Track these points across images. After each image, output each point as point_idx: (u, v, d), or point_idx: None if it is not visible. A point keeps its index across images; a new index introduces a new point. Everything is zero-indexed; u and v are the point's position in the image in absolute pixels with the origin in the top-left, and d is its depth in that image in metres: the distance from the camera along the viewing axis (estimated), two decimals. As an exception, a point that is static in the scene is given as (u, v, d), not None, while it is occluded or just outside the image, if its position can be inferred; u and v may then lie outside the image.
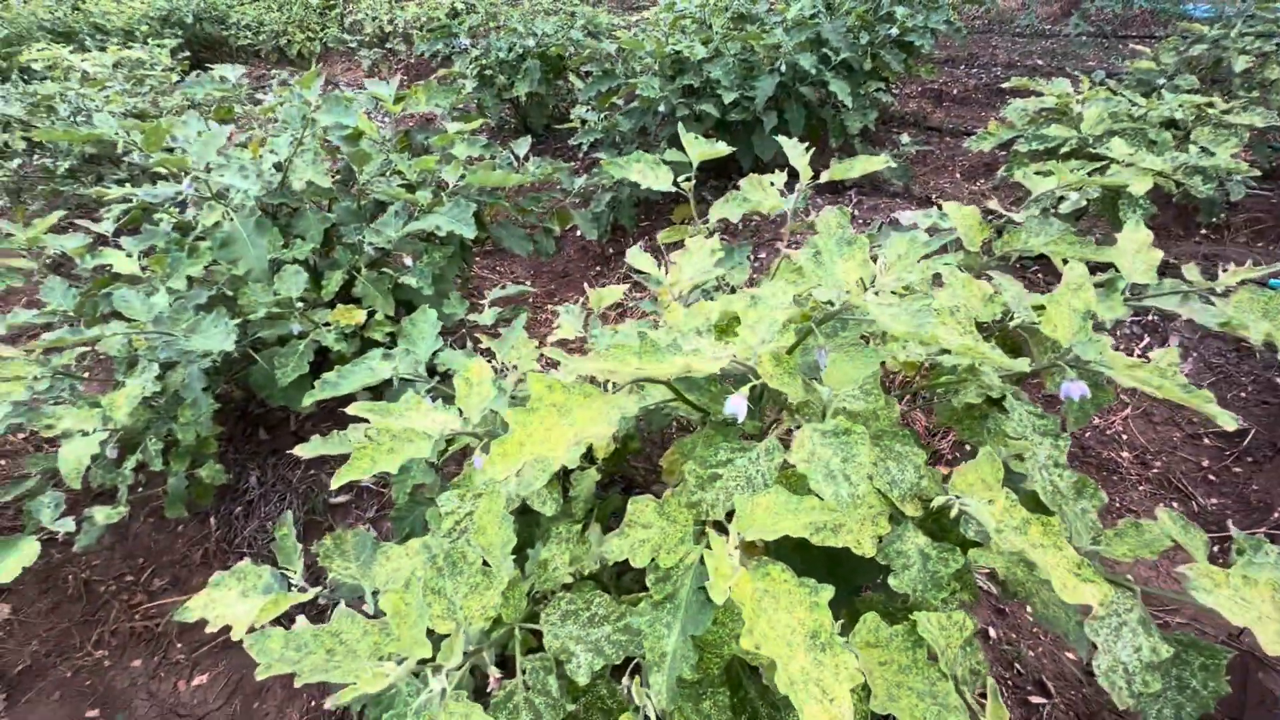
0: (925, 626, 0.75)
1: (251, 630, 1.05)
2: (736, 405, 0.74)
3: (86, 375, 1.89)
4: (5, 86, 4.00)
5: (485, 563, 0.81)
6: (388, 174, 2.16)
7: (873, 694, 0.71)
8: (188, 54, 5.54)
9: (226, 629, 1.25)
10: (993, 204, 1.71)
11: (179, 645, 1.98)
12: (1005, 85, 3.15)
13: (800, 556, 0.89)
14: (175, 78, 3.82)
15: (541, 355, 1.40)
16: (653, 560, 0.75)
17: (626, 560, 0.77)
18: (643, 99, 3.23)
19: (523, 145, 2.98)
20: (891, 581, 0.81)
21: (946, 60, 5.95)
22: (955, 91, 5.25)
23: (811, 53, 3.09)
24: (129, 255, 1.68)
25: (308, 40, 6.84)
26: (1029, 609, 1.38)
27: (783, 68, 3.10)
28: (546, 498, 0.99)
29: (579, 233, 3.97)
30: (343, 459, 1.13)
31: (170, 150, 1.86)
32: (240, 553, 2.12)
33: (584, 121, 3.98)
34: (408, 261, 1.86)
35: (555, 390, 0.78)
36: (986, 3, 4.71)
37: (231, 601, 1.18)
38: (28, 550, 1.40)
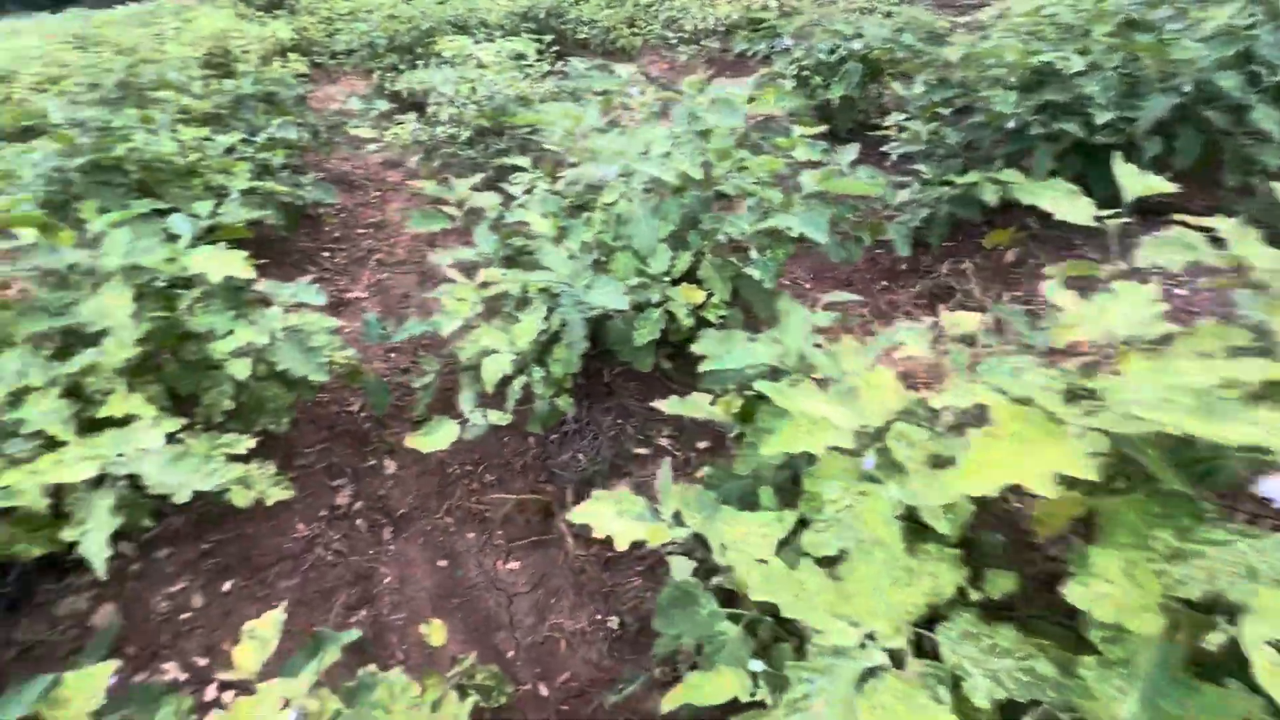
0: None
1: (671, 551, 1.25)
2: (1274, 488, 0.67)
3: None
4: (433, 69, 5.16)
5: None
6: (738, 170, 2.32)
7: None
8: (558, 47, 6.48)
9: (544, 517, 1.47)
10: None
11: (499, 533, 2.45)
12: None
13: None
14: (546, 67, 4.56)
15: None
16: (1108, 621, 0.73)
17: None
18: (990, 113, 2.99)
19: (849, 153, 2.98)
20: None
21: None
22: None
23: (1236, 71, 2.55)
24: (544, 216, 2.08)
25: (633, 35, 7.59)
26: None
27: (1185, 86, 2.61)
28: (940, 515, 1.01)
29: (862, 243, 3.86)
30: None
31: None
32: (550, 471, 2.53)
33: (901, 129, 3.82)
34: (754, 254, 2.00)
35: (1020, 420, 0.79)
36: None
37: (608, 517, 1.42)
38: (451, 430, 1.83)
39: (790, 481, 1.56)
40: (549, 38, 5.82)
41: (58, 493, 1.48)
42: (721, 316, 2.03)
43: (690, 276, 2.15)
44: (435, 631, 1.62)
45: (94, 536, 1.28)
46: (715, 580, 1.35)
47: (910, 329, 1.66)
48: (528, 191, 2.50)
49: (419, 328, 2.65)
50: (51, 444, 1.59)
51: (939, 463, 1.13)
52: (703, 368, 1.43)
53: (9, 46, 7.02)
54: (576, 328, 1.88)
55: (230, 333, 1.96)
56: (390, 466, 2.69)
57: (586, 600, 2.10)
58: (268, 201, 3.53)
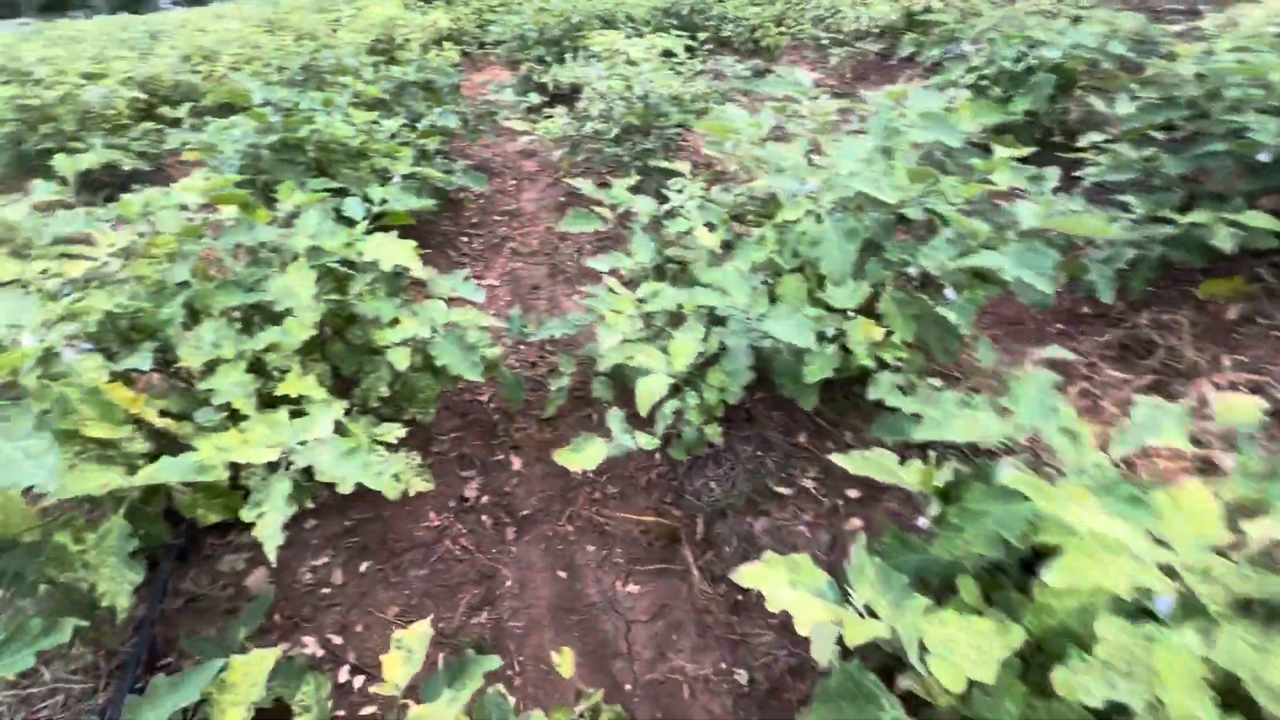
0: None
1: (823, 632, 1.09)
2: None
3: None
4: (581, 64, 5.18)
5: None
6: (930, 194, 2.07)
7: None
8: (710, 45, 6.35)
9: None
10: None
11: (620, 550, 2.37)
12: None
13: None
14: (698, 65, 4.42)
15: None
16: None
17: None
18: (1239, 142, 2.51)
19: (1048, 179, 2.61)
20: None
21: None
22: None
23: None
24: (710, 228, 1.95)
25: (779, 34, 7.29)
26: None
27: None
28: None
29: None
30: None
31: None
32: (679, 494, 2.41)
33: (1100, 151, 3.34)
34: (949, 293, 1.76)
35: None
36: None
37: (779, 584, 1.25)
38: (598, 449, 1.74)
39: (996, 569, 1.33)
40: (702, 35, 5.68)
41: (236, 465, 1.53)
42: (900, 359, 1.80)
43: (867, 310, 1.93)
44: (565, 662, 1.54)
45: (270, 520, 1.29)
46: (904, 683, 1.16)
47: (1160, 408, 1.37)
48: (689, 201, 2.38)
49: (560, 329, 2.61)
50: (234, 416, 1.66)
51: (1248, 608, 0.88)
52: (920, 435, 1.24)
53: (215, 29, 7.87)
54: (741, 356, 1.73)
55: (395, 321, 1.98)
56: (516, 463, 2.68)
57: (711, 644, 1.96)
58: (424, 187, 3.66)
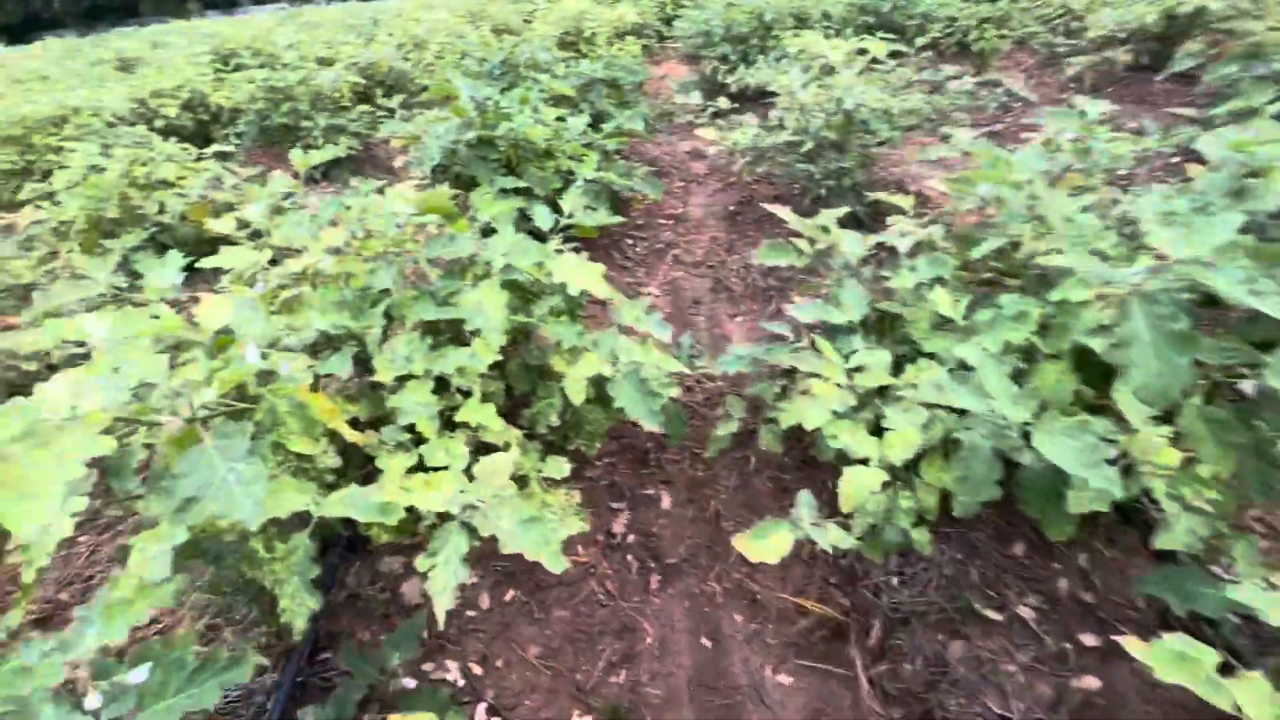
0: None
1: None
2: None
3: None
4: (771, 65, 4.87)
5: None
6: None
7: None
8: (930, 51, 5.77)
9: None
10: None
11: (773, 629, 2.11)
12: None
13: None
14: (910, 74, 3.94)
15: None
16: None
17: None
18: None
19: None
20: None
21: None
22: None
23: None
24: (956, 302, 1.60)
25: (998, 37, 6.43)
26: None
27: None
28: None
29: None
30: None
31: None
32: (855, 582, 2.10)
33: None
34: (1301, 424, 1.28)
35: None
36: None
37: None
38: (785, 540, 1.49)
39: None
40: (920, 40, 5.12)
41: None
42: (1208, 499, 1.35)
43: (1163, 419, 1.49)
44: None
45: (442, 576, 1.21)
46: None
47: None
48: (903, 238, 2.03)
49: (734, 365, 2.39)
50: (418, 439, 1.62)
51: None
52: (1221, 610, 0.85)
53: (427, 19, 8.53)
54: (983, 464, 1.39)
55: (574, 350, 1.87)
56: (665, 499, 2.51)
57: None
58: (602, 191, 3.60)
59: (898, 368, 1.70)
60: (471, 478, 1.45)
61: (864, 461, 1.48)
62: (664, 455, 2.71)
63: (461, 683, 1.81)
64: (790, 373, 2.77)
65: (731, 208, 4.92)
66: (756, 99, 6.06)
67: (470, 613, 1.99)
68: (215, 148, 4.19)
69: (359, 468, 1.67)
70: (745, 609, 2.13)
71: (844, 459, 1.54)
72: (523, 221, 2.49)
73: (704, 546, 2.33)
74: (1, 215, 3.60)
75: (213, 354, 1.57)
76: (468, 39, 8.31)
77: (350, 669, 1.54)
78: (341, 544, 2.06)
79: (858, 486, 1.44)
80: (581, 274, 1.91)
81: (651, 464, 2.66)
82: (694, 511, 2.46)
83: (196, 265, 1.90)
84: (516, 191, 3.18)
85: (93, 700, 0.97)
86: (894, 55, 4.56)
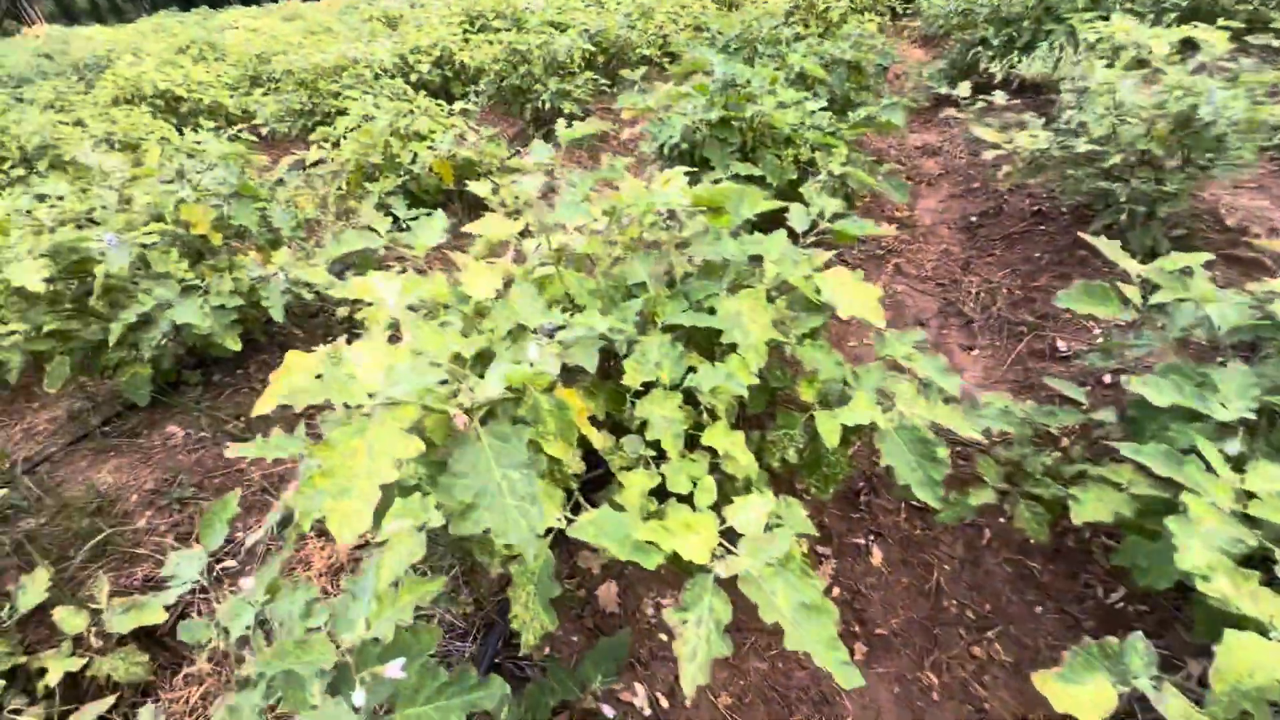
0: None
1: None
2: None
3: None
4: (1056, 53, 4.07)
5: None
6: None
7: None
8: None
9: None
10: None
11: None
12: None
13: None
14: (1271, 75, 3.02)
15: None
16: None
17: None
18: None
19: None
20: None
21: None
22: None
23: None
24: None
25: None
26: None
27: None
28: None
29: None
30: None
31: None
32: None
33: None
34: None
35: None
36: None
37: None
38: (1107, 697, 1.14)
39: None
40: (1229, 22, 4.00)
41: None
42: None
43: None
44: None
45: (693, 639, 1.05)
46: None
47: None
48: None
49: (996, 422, 1.98)
50: (660, 455, 1.48)
51: None
52: None
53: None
54: None
55: (830, 383, 1.61)
56: (876, 555, 2.20)
57: None
58: (840, 188, 3.24)
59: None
60: (722, 518, 1.28)
61: (1260, 629, 1.07)
62: (875, 500, 2.39)
63: (648, 711, 1.70)
64: (1058, 440, 2.28)
65: (973, 218, 4.26)
66: (1019, 92, 5.20)
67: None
68: (459, 105, 4.45)
69: (590, 468, 1.58)
70: (968, 712, 1.78)
71: (1213, 612, 1.13)
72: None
73: (920, 625, 1.99)
74: (292, 150, 4.12)
75: (472, 326, 1.55)
76: (692, 9, 8.12)
77: (553, 682, 1.47)
78: (549, 534, 2.04)
79: (1243, 661, 1.04)
80: (856, 295, 1.64)
81: (862, 508, 2.35)
82: (909, 578, 2.12)
83: (462, 230, 1.92)
84: (749, 179, 2.94)
85: (359, 696, 0.93)
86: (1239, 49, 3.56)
